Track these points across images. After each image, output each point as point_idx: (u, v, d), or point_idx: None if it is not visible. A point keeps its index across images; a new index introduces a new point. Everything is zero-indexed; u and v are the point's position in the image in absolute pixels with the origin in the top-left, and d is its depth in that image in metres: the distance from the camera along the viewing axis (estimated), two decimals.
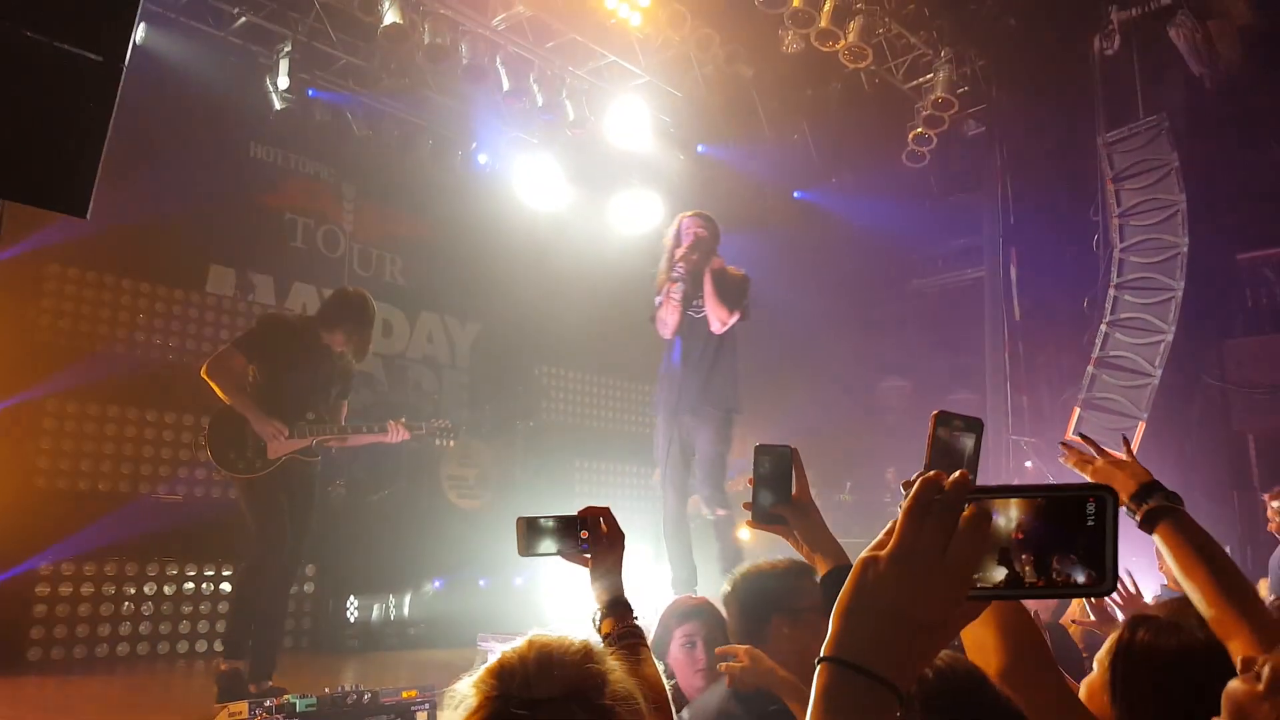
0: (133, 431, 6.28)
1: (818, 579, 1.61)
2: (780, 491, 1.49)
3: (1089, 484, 0.76)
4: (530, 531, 1.61)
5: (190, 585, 5.95)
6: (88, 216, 2.26)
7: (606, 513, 1.60)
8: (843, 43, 6.87)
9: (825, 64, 7.56)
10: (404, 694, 3.89)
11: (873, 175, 9.00)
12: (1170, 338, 6.90)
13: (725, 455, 4.87)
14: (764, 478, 1.50)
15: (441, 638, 6.54)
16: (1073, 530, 0.73)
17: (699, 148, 9.09)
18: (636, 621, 1.53)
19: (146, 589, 5.70)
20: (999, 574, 0.74)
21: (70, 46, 1.77)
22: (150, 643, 5.63)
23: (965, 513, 0.72)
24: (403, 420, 4.66)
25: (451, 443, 5.10)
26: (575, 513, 1.60)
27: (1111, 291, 7.21)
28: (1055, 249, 8.01)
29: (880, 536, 0.76)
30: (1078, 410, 7.12)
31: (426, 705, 3.89)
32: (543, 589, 6.98)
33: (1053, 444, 2.59)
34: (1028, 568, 0.74)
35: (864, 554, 0.75)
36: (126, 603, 5.67)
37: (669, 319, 4.81)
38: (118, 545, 5.67)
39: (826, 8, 6.64)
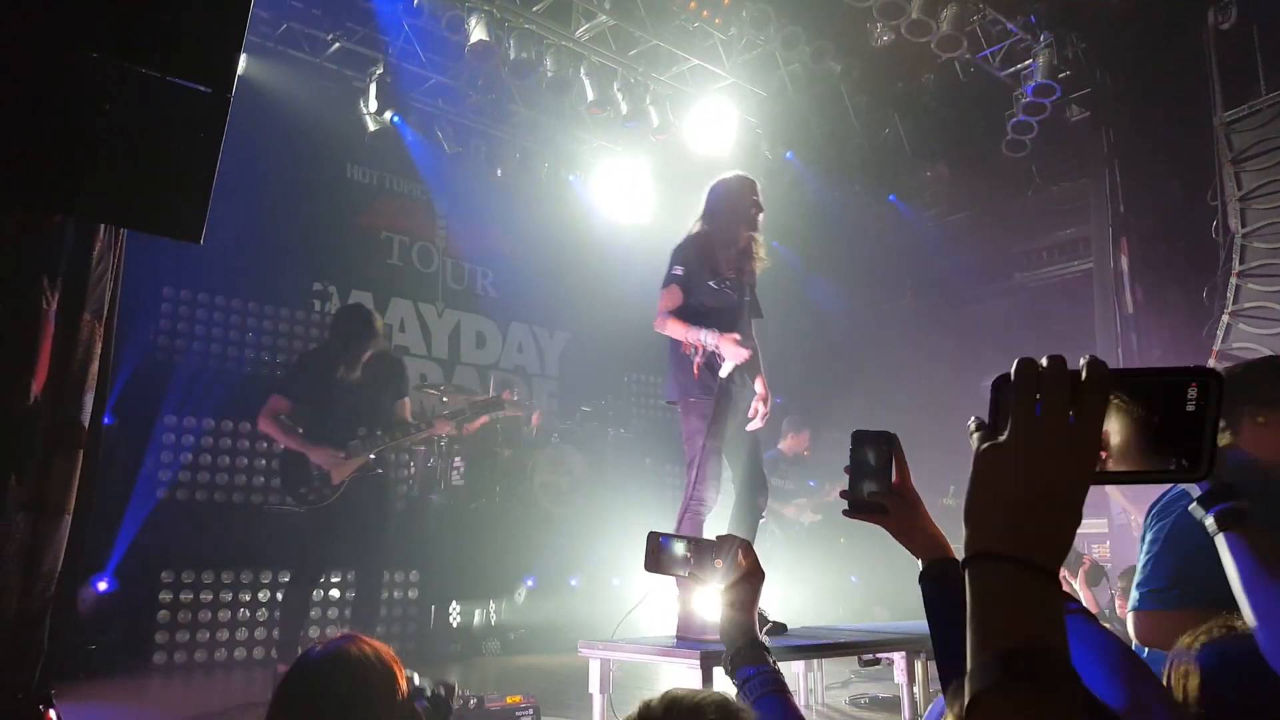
0: (245, 445, 6.57)
1: (919, 573, 1.49)
2: (882, 480, 1.42)
3: (1194, 367, 0.75)
4: (661, 548, 1.58)
5: None
6: (201, 241, 2.35)
7: (746, 545, 1.52)
8: (935, 33, 6.63)
9: (917, 55, 7.32)
10: (509, 699, 3.93)
11: (971, 167, 8.66)
12: None
13: None
14: (863, 465, 1.43)
15: (542, 643, 6.59)
16: (1173, 415, 0.73)
17: (786, 154, 8.92)
18: (774, 663, 1.43)
19: (261, 596, 5.93)
20: (1100, 456, 0.73)
21: (182, 81, 1.84)
22: (265, 648, 5.85)
23: (1086, 390, 0.71)
24: (445, 414, 5.12)
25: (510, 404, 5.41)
26: (714, 537, 1.55)
27: (1233, 280, 6.76)
28: (1169, 237, 7.54)
29: (986, 428, 0.73)
30: None
31: (531, 711, 3.91)
32: (639, 591, 6.96)
33: None
34: (1127, 452, 0.74)
35: (980, 447, 0.72)
36: (243, 609, 5.90)
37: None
38: (236, 554, 5.92)
39: None
